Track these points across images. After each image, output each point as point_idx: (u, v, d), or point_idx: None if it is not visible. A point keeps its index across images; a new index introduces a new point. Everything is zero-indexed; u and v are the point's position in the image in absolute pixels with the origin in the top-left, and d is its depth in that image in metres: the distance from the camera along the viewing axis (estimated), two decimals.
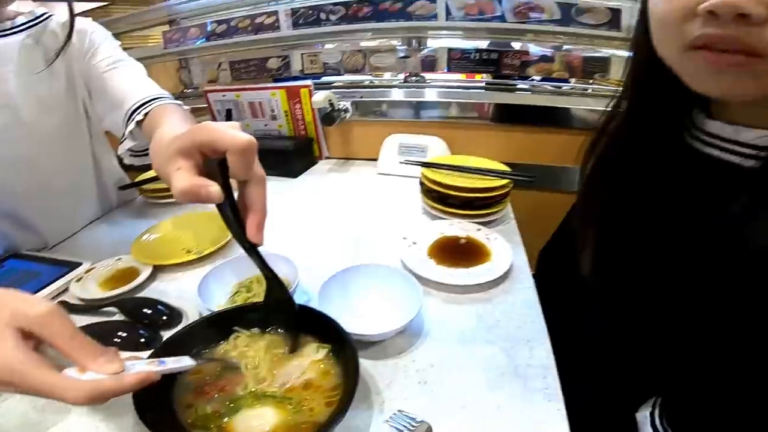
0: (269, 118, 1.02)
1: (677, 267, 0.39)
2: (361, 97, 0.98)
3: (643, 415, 0.43)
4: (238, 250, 0.39)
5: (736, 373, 0.36)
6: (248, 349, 0.38)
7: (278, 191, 0.87)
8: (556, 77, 1.00)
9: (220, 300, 0.51)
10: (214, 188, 0.34)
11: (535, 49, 1.01)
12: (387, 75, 1.15)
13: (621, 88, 0.43)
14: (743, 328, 0.34)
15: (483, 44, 1.06)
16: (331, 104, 0.89)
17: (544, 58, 1.00)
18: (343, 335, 0.35)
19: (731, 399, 0.37)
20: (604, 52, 0.96)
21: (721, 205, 0.34)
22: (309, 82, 0.96)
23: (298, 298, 0.41)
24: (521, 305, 0.52)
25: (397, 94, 1.04)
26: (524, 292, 0.54)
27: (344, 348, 0.35)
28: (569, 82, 1.02)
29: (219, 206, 0.35)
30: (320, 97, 0.88)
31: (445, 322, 0.49)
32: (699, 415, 0.40)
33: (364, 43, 1.11)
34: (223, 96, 1.03)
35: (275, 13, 1.11)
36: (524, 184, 0.69)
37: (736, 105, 0.36)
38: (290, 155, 0.93)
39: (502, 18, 0.97)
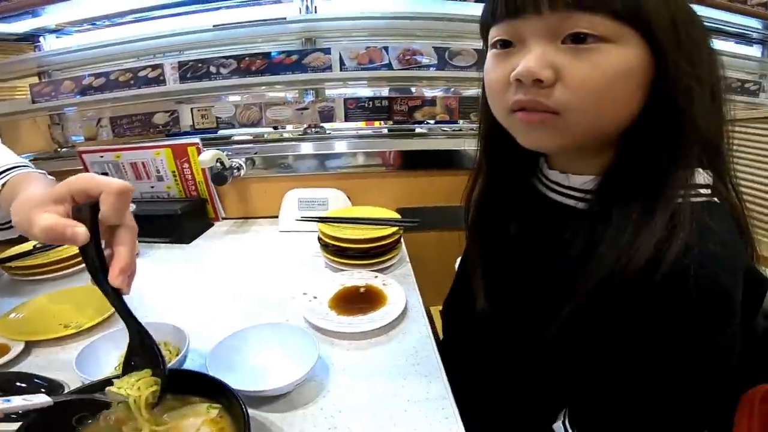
0: (155, 179, 1.06)
1: (539, 305, 0.47)
2: (255, 153, 1.09)
3: (558, 426, 0.51)
4: (121, 323, 0.44)
5: (612, 384, 0.44)
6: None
7: (168, 259, 0.93)
8: (439, 119, 1.23)
9: (103, 372, 0.55)
10: (80, 228, 0.39)
11: (419, 94, 1.23)
12: (289, 127, 1.27)
13: None
14: (601, 353, 0.42)
15: (377, 92, 1.26)
16: (222, 163, 0.97)
17: (427, 102, 1.22)
18: (231, 393, 0.42)
19: (618, 403, 0.44)
20: (474, 92, 1.21)
21: (563, 246, 0.45)
22: (196, 139, 1.03)
23: (192, 364, 0.47)
24: (417, 343, 0.63)
25: (296, 148, 1.17)
26: (419, 330, 0.66)
27: (233, 405, 0.42)
28: (457, 123, 1.25)
29: (83, 249, 0.40)
30: (207, 156, 0.95)
31: (349, 368, 0.58)
32: (599, 418, 0.47)
33: (259, 97, 1.24)
34: (101, 157, 1.06)
35: (160, 66, 1.20)
36: (413, 228, 0.84)
37: (564, 156, 0.49)
38: (180, 219, 0.98)
39: (389, 66, 1.18)
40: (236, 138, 1.27)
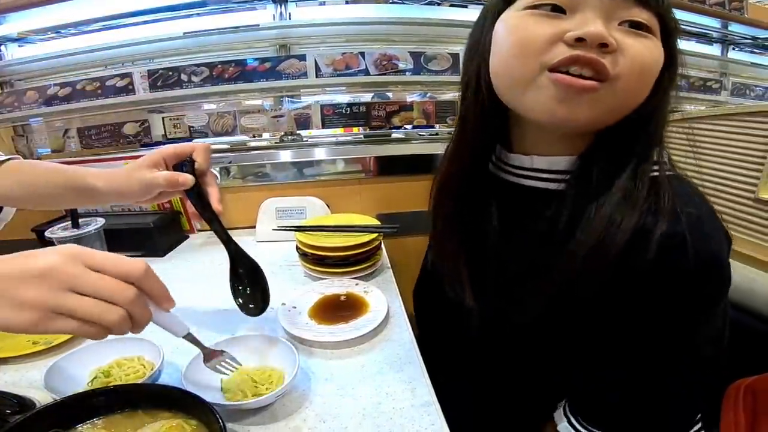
0: None
1: (530, 290, 0.49)
2: (230, 163, 1.09)
3: (558, 414, 0.52)
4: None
5: (613, 362, 0.46)
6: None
7: None
8: (416, 124, 1.25)
9: (75, 387, 0.54)
10: (188, 176, 0.59)
11: (396, 99, 1.26)
12: (266, 135, 1.27)
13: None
14: (601, 328, 0.44)
15: (355, 98, 1.28)
16: None
17: (404, 107, 1.24)
18: (207, 406, 0.42)
19: (618, 383, 0.46)
20: (451, 96, 1.25)
21: (545, 227, 0.47)
22: None
23: (169, 379, 0.47)
24: (399, 349, 0.64)
25: (272, 156, 1.17)
26: (401, 336, 0.67)
27: (210, 419, 0.42)
28: (435, 128, 1.28)
29: (191, 193, 0.60)
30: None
31: (332, 378, 0.58)
32: (601, 402, 0.49)
33: (233, 105, 1.24)
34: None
35: (129, 75, 1.19)
36: (392, 233, 0.86)
37: (529, 138, 0.51)
38: (153, 232, 0.97)
39: (366, 71, 1.20)
40: (213, 147, 1.26)
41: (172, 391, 0.46)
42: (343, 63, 1.20)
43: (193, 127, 1.21)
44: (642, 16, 0.42)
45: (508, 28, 0.46)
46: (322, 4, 1.26)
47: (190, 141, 1.24)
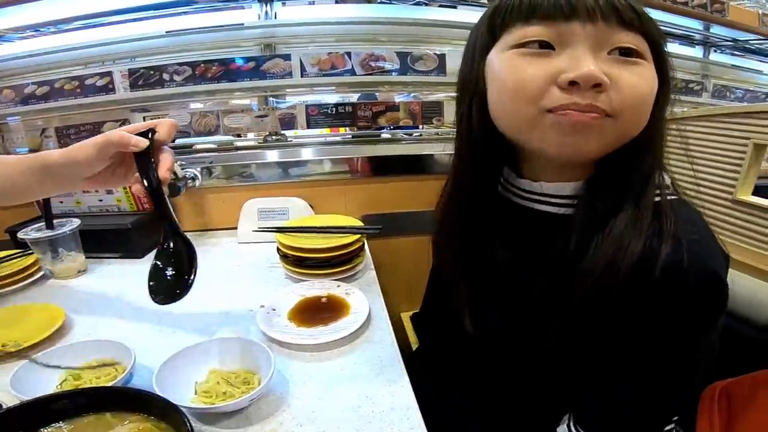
0: (104, 192, 1.04)
1: (537, 313, 0.48)
2: (211, 163, 1.08)
3: (562, 429, 0.51)
4: (64, 341, 0.45)
5: (618, 381, 0.46)
6: None
7: (118, 274, 0.91)
8: (402, 125, 1.25)
9: (44, 390, 0.52)
10: (142, 139, 0.56)
11: (382, 99, 1.25)
12: (250, 135, 1.26)
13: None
14: (605, 350, 0.45)
15: (341, 98, 1.27)
16: (174, 173, 0.96)
17: (390, 108, 1.24)
18: (175, 410, 0.42)
19: (623, 397, 0.46)
20: (437, 96, 1.25)
21: (553, 252, 0.47)
22: None
23: (142, 381, 0.47)
24: (381, 351, 0.64)
25: (256, 156, 1.16)
26: (383, 338, 0.67)
27: (178, 423, 0.41)
28: (418, 128, 1.28)
29: (140, 157, 0.57)
30: None
31: (310, 381, 0.58)
32: (606, 416, 0.48)
33: (217, 104, 1.23)
34: None
35: (109, 73, 1.17)
36: (376, 234, 0.85)
37: (537, 166, 0.51)
38: (131, 233, 0.96)
39: (352, 71, 1.20)
40: (196, 147, 1.25)
41: (141, 394, 0.45)
42: (329, 63, 1.20)
43: None
44: (630, 40, 0.42)
45: (500, 72, 0.46)
46: (311, 3, 1.25)
47: (173, 141, 1.23)
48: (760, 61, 1.78)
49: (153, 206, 0.59)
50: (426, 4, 1.25)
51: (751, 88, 1.74)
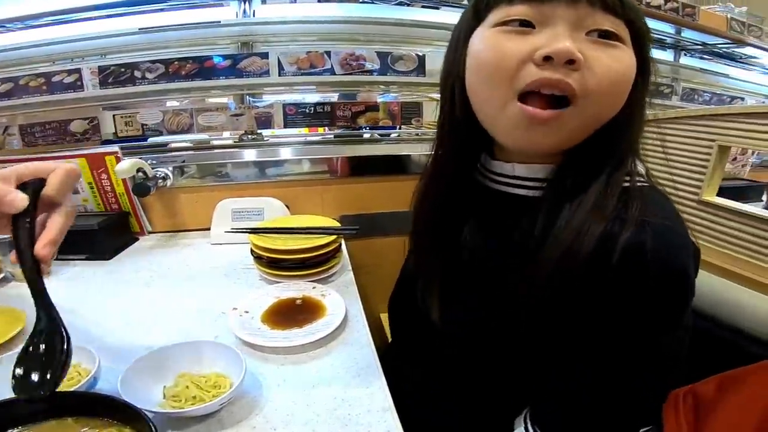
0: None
1: (501, 298, 0.49)
2: (183, 162, 1.06)
3: (518, 420, 0.52)
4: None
5: (575, 372, 0.46)
6: None
7: (85, 276, 0.88)
8: (382, 125, 1.26)
9: (3, 395, 0.50)
10: (21, 195, 0.42)
11: (362, 99, 1.26)
12: (225, 134, 1.24)
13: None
14: (564, 340, 0.45)
15: (320, 98, 1.27)
16: (144, 172, 0.94)
17: (370, 108, 1.24)
18: (140, 414, 0.41)
19: (581, 392, 0.46)
20: (416, 97, 1.26)
21: (520, 235, 0.47)
22: (115, 147, 0.99)
23: (109, 386, 0.47)
24: (357, 353, 0.63)
25: (231, 155, 1.15)
26: (359, 340, 0.67)
27: (144, 427, 0.40)
28: (397, 129, 1.28)
29: (17, 220, 0.42)
30: (125, 165, 0.91)
31: (285, 384, 0.57)
32: (561, 412, 0.48)
33: (192, 102, 1.21)
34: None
35: (78, 70, 1.14)
36: (355, 235, 0.85)
37: (509, 149, 0.51)
38: (98, 234, 0.94)
39: (331, 71, 1.20)
40: (171, 146, 1.22)
41: (104, 398, 0.44)
42: (308, 62, 1.20)
43: (146, 125, 1.17)
44: (610, 24, 0.43)
45: (480, 49, 0.46)
46: (293, 2, 1.25)
47: (145, 140, 1.20)
48: (727, 64, 1.86)
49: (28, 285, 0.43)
50: (408, 5, 1.26)
51: (718, 92, 1.81)
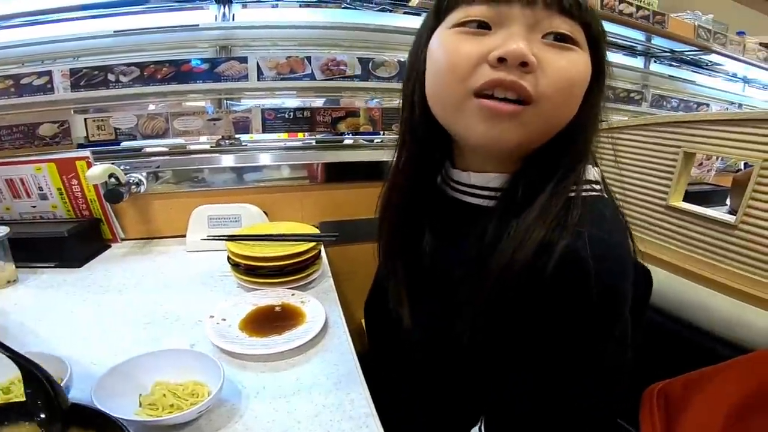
0: (37, 197, 0.98)
1: (452, 307, 0.49)
2: (158, 167, 1.04)
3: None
4: None
5: (521, 381, 0.46)
6: None
7: (55, 285, 0.86)
8: (362, 131, 1.26)
9: None
10: None
11: (343, 105, 1.26)
12: (203, 138, 1.23)
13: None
14: (509, 349, 0.45)
15: (300, 103, 1.27)
16: (116, 178, 0.92)
17: (350, 113, 1.25)
18: (115, 423, 0.41)
19: (528, 400, 0.46)
20: (397, 103, 1.27)
21: (473, 245, 0.48)
22: (86, 152, 0.96)
23: (80, 394, 0.46)
24: (338, 360, 0.64)
25: (208, 161, 1.13)
26: (340, 346, 0.67)
27: None
28: (378, 135, 1.30)
29: None
30: (97, 171, 0.89)
31: (264, 392, 0.57)
32: (513, 421, 0.48)
33: (168, 106, 1.19)
34: None
35: (48, 73, 1.11)
36: (332, 242, 0.86)
37: (467, 156, 0.52)
38: (68, 241, 0.91)
39: (312, 76, 1.20)
40: (146, 150, 1.20)
41: (76, 406, 0.44)
42: (288, 67, 1.20)
43: (119, 129, 1.14)
44: (567, 27, 0.43)
45: (437, 49, 0.47)
46: (275, 6, 1.25)
47: (118, 144, 1.18)
48: (694, 71, 1.95)
49: None
50: (390, 11, 1.27)
51: (685, 98, 1.89)
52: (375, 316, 0.79)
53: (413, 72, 0.52)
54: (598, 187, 0.49)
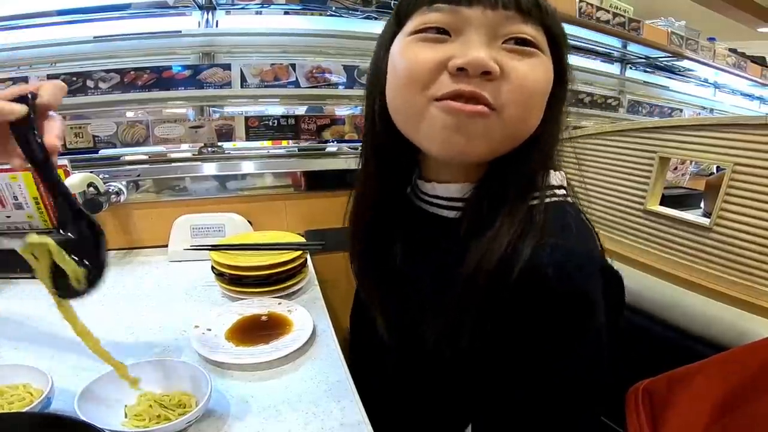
0: (12, 207, 0.95)
1: (419, 318, 0.50)
2: (138, 176, 1.03)
3: None
4: None
5: (501, 390, 0.45)
6: None
7: (32, 295, 0.84)
8: (348, 138, 1.27)
9: None
10: (18, 104, 0.46)
11: (328, 113, 1.27)
12: (185, 146, 1.21)
13: None
14: (485, 359, 0.45)
15: (284, 110, 1.27)
16: (95, 187, 0.91)
17: (335, 121, 1.25)
18: None
19: (509, 408, 0.45)
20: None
21: (440, 257, 0.48)
22: (64, 161, 0.94)
23: (63, 405, 0.46)
24: (327, 368, 0.64)
25: (190, 169, 1.12)
26: (329, 354, 0.67)
27: None
28: (361, 142, 1.30)
29: (19, 130, 0.47)
30: (75, 180, 0.87)
31: (252, 401, 0.57)
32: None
33: (148, 113, 1.18)
34: None
35: (24, 79, 1.08)
36: (317, 250, 0.86)
37: (432, 166, 0.51)
38: None
39: (296, 83, 1.20)
40: (126, 159, 1.18)
41: (60, 418, 0.43)
42: (272, 74, 1.20)
43: (98, 136, 1.13)
44: (528, 30, 0.42)
45: (397, 57, 0.45)
46: (259, 13, 1.24)
47: (96, 152, 1.16)
48: (667, 77, 2.02)
49: (42, 182, 0.51)
50: (376, 18, 1.28)
51: (660, 104, 1.96)
52: (358, 326, 0.79)
53: (375, 80, 0.51)
54: (561, 192, 0.49)
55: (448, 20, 0.43)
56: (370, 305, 0.62)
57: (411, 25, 0.45)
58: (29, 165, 0.48)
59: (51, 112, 0.50)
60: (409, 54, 0.44)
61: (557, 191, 0.48)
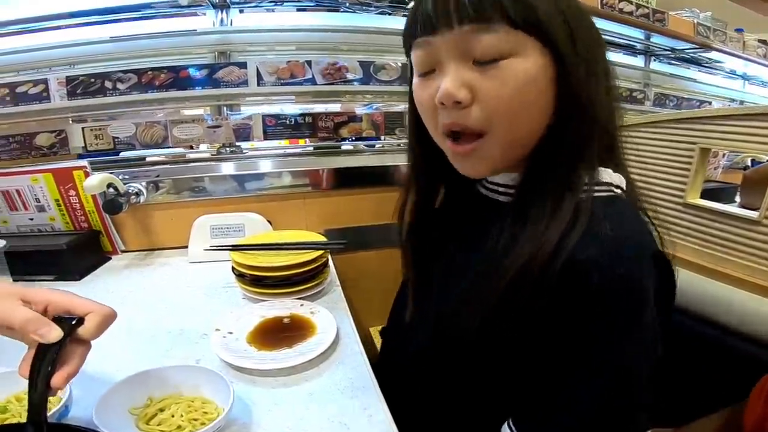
0: (35, 209, 0.96)
1: (469, 301, 0.49)
2: (157, 176, 1.02)
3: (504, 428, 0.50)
4: None
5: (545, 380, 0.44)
6: None
7: None
8: (365, 136, 1.24)
9: None
10: (56, 331, 0.42)
11: (344, 110, 1.24)
12: (203, 147, 1.20)
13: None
14: (529, 348, 0.44)
15: (301, 108, 1.25)
16: (115, 188, 0.90)
17: (353, 118, 1.23)
18: None
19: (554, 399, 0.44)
20: (400, 107, 1.25)
21: (490, 240, 0.47)
22: (83, 162, 0.94)
23: (84, 413, 0.45)
24: (352, 372, 0.61)
25: (208, 169, 1.11)
26: (354, 359, 0.64)
27: None
28: (381, 140, 1.27)
29: (43, 348, 0.42)
30: (94, 181, 0.87)
31: (276, 408, 0.54)
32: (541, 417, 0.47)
33: (167, 114, 1.17)
34: None
35: (44, 81, 1.09)
36: (342, 249, 0.83)
37: None
38: (66, 254, 0.89)
39: (313, 81, 1.18)
40: (145, 160, 1.17)
41: (79, 429, 0.42)
42: (288, 71, 1.17)
43: (117, 138, 1.12)
44: (489, 42, 0.41)
45: (415, 98, 0.50)
46: (270, 10, 1.22)
47: (116, 154, 1.16)
48: (694, 69, 1.94)
49: (28, 405, 0.42)
50: (390, 14, 1.25)
51: (687, 96, 1.88)
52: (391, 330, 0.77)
53: (410, 105, 0.54)
54: (607, 188, 0.48)
55: (425, 57, 0.46)
56: (411, 296, 0.61)
57: (413, 63, 0.49)
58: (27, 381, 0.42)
59: (83, 350, 0.45)
60: (417, 95, 0.49)
61: (605, 187, 0.47)
